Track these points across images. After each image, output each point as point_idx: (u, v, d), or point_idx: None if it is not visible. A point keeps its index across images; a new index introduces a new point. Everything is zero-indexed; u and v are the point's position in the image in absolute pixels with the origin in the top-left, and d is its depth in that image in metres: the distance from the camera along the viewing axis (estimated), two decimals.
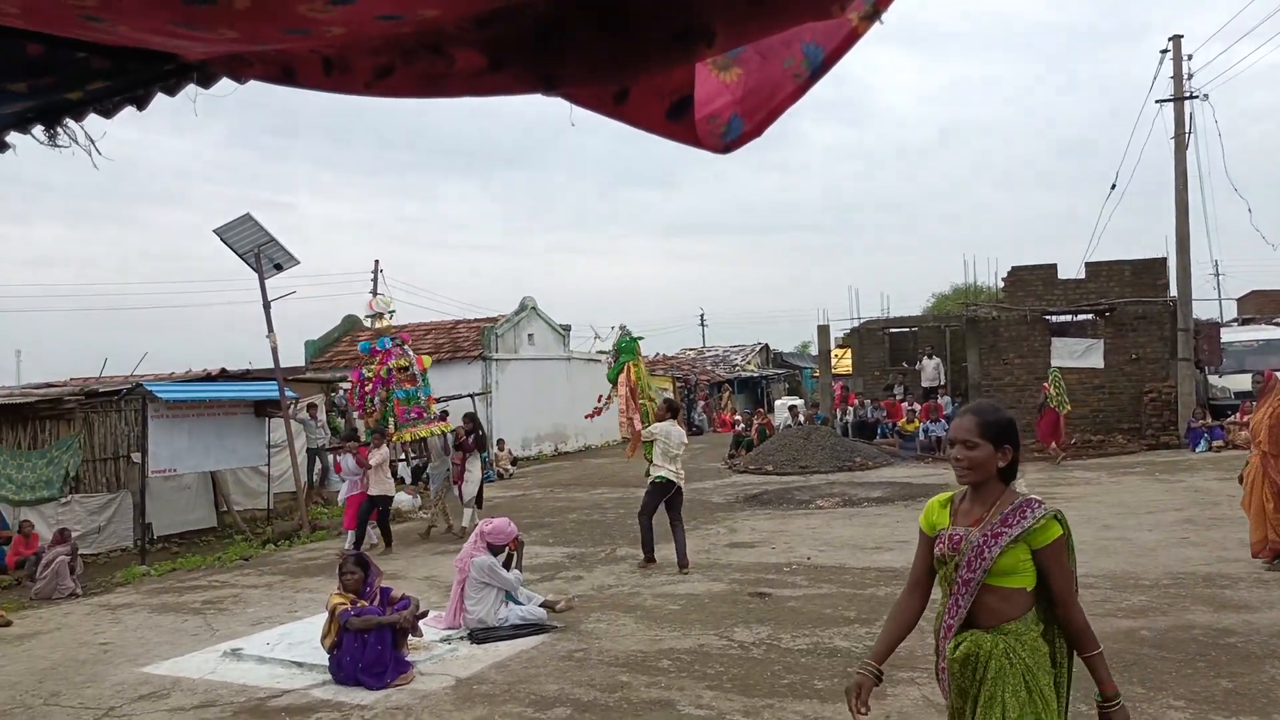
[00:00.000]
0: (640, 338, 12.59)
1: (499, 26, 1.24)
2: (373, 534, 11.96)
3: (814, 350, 32.67)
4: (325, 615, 6.51)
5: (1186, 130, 19.59)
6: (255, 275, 13.81)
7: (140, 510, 12.71)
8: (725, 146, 1.24)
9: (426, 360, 13.56)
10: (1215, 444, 17.75)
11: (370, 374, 12.81)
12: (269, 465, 14.61)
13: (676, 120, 1.24)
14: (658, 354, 40.08)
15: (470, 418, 13.16)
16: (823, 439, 19.57)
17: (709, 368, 39.79)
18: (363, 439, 12.37)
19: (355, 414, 13.70)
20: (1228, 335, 22.01)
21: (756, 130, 1.23)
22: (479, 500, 12.71)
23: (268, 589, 9.83)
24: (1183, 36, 19.83)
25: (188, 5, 1.12)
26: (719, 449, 24.28)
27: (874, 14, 1.08)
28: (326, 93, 1.50)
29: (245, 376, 14.96)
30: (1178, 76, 19.69)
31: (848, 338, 27.09)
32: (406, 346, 13.29)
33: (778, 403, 29.91)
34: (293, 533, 13.33)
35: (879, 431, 22.41)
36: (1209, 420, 18.68)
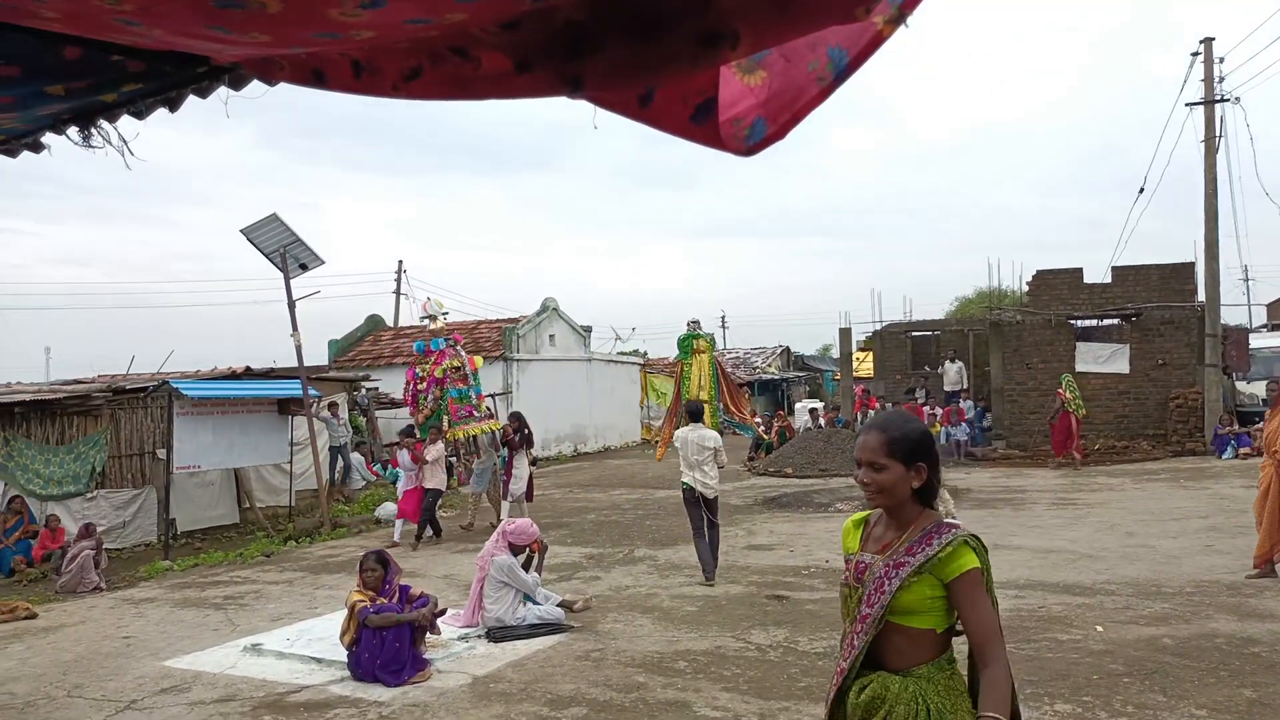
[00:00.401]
0: (699, 335, 12.54)
1: (525, 30, 1.25)
2: (398, 527, 12.46)
3: (835, 353, 32.54)
4: (344, 612, 6.56)
5: (1217, 133, 19.37)
6: (281, 275, 13.94)
7: (164, 506, 12.85)
8: (748, 149, 1.25)
9: (478, 360, 13.94)
10: (1242, 451, 17.51)
11: (424, 373, 13.17)
12: (291, 463, 14.74)
13: (700, 123, 1.25)
14: (678, 355, 40.07)
15: (517, 416, 13.47)
16: (843, 442, 19.48)
17: (730, 370, 39.70)
18: (419, 435, 12.85)
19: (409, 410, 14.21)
20: (1256, 341, 21.72)
21: (780, 133, 1.23)
22: (529, 494, 13.12)
23: (288, 585, 9.92)
24: (1214, 39, 19.62)
25: (221, 9, 1.14)
26: (738, 451, 24.23)
27: (899, 17, 1.09)
28: (355, 95, 1.52)
29: (269, 375, 15.11)
30: (1208, 79, 19.46)
31: (869, 341, 26.96)
32: (459, 347, 13.65)
33: (798, 405, 29.81)
34: (314, 530, 13.44)
35: None
36: (1236, 427, 18.44)
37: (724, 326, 59.21)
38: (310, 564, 11.25)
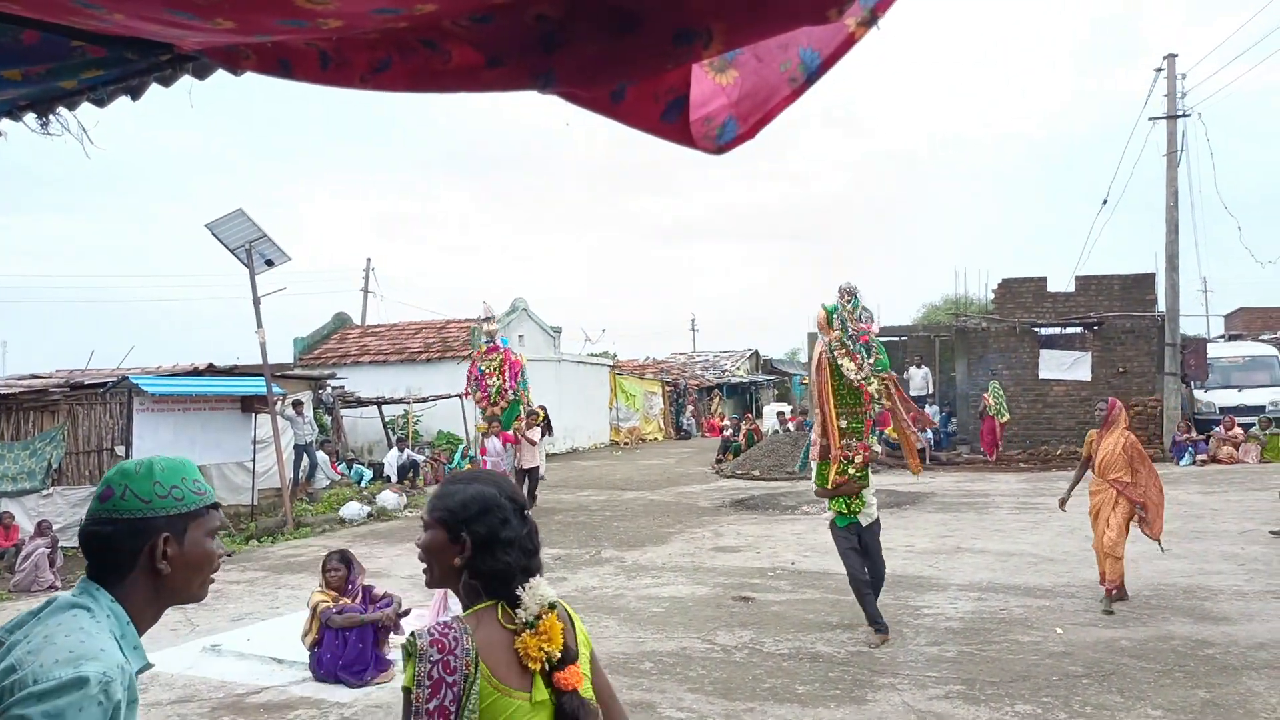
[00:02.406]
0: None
1: (497, 23, 1.24)
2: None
3: (804, 357, 32.74)
4: (307, 612, 6.48)
5: (1178, 148, 19.75)
6: (246, 271, 13.76)
7: None
8: (719, 148, 1.25)
9: (524, 358, 15.48)
10: (1200, 458, 17.88)
11: (490, 368, 14.45)
12: (254, 461, 14.55)
13: (671, 121, 1.25)
14: (648, 357, 40.11)
15: (537, 411, 14.74)
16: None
17: (699, 372, 39.83)
18: (499, 426, 14.13)
19: (477, 405, 15.28)
20: (1214, 351, 22.16)
21: (750, 133, 1.23)
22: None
23: (250, 585, 9.78)
24: (1177, 56, 20.02)
25: None
26: (707, 453, 24.30)
27: (871, 20, 1.09)
28: (322, 86, 1.50)
29: (232, 372, 14.91)
30: (1171, 95, 19.84)
31: None
32: (511, 344, 15.08)
33: (766, 408, 29.97)
34: (276, 529, 13.27)
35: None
36: (1194, 434, 18.81)
37: (694, 329, 59.40)
38: (272, 564, 11.11)
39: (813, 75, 1.17)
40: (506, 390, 14.28)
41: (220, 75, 2.07)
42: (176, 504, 1.61)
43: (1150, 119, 20.14)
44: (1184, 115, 19.79)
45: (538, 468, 14.02)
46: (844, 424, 6.90)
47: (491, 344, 14.73)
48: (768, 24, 1.06)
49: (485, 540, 1.84)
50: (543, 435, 14.47)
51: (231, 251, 13.67)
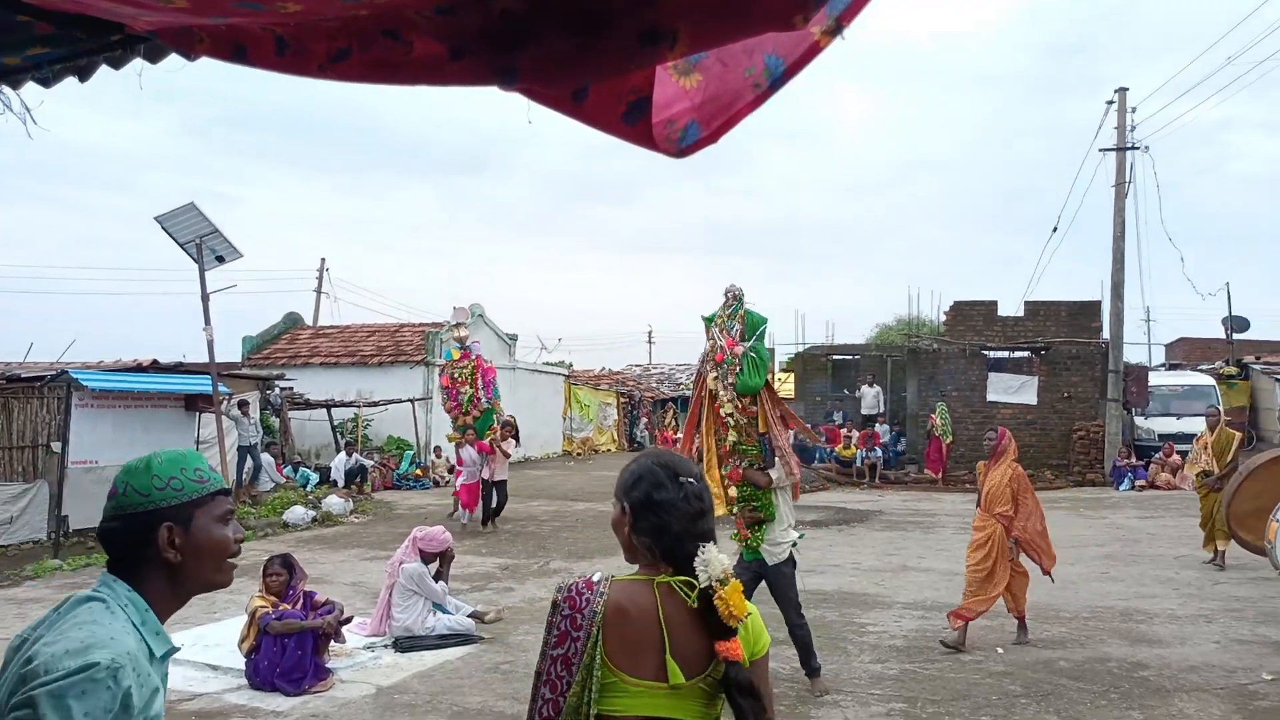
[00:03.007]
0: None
1: (461, 16, 1.22)
2: (464, 515, 13.59)
3: None
4: (245, 618, 6.32)
5: (1127, 180, 20.28)
6: (195, 266, 13.47)
7: (56, 502, 12.23)
8: (680, 151, 1.24)
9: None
10: (1138, 483, 18.33)
11: (461, 375, 14.10)
12: None
13: (632, 122, 1.23)
14: (604, 368, 40.07)
15: (509, 424, 14.67)
16: None
17: (654, 385, 39.87)
18: (474, 435, 13.70)
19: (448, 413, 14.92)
20: (1155, 379, 22.75)
21: (712, 137, 1.23)
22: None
23: None
24: (1128, 89, 20.58)
25: None
26: None
27: (836, 29, 1.09)
28: (279, 73, 1.46)
29: (178, 369, 14.57)
30: (1121, 127, 20.38)
31: (791, 362, 27.38)
32: (480, 352, 14.68)
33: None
34: None
35: (817, 456, 22.66)
36: (1133, 460, 19.28)
37: (650, 342, 59.44)
38: None
39: (777, 81, 1.17)
40: (479, 399, 13.97)
41: (173, 60, 2.01)
42: (176, 494, 1.67)
43: (1101, 150, 20.69)
44: (1133, 148, 20.34)
45: (505, 480, 13.79)
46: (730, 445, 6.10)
47: (464, 350, 14.33)
48: (734, 28, 1.06)
49: (641, 504, 1.90)
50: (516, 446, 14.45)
51: (181, 246, 13.39)
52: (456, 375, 14.14)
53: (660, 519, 1.88)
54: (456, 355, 14.34)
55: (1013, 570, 7.10)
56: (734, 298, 6.30)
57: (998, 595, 7.00)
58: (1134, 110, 20.42)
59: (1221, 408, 21.92)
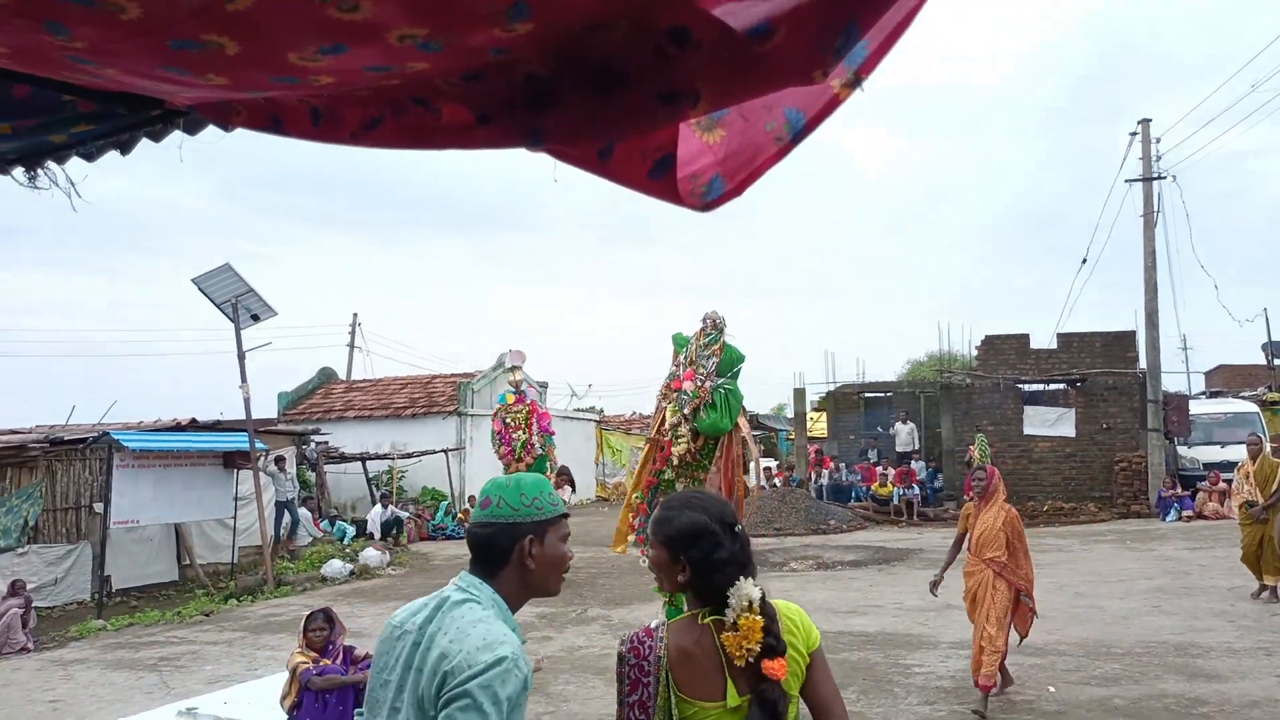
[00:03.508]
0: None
1: (487, 81, 1.26)
2: None
3: (790, 412, 32.76)
4: (286, 674, 6.32)
5: (1154, 209, 20.11)
6: (232, 325, 13.73)
7: (100, 562, 12.38)
8: (705, 205, 1.26)
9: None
10: (1185, 514, 17.88)
11: (515, 421, 13.55)
12: (235, 518, 14.34)
13: (658, 178, 1.26)
14: (634, 412, 40.04)
15: (565, 471, 14.21)
16: (797, 501, 19.51)
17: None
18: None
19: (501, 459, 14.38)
20: (1196, 407, 22.31)
21: (737, 190, 1.25)
22: None
23: (228, 646, 9.56)
24: (1151, 120, 20.49)
25: (177, 50, 1.13)
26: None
27: (855, 81, 1.11)
28: (313, 142, 1.51)
29: (215, 427, 14.78)
30: (1146, 158, 20.26)
31: (823, 401, 27.21)
32: (537, 398, 14.39)
33: (752, 464, 29.85)
34: (256, 588, 13.03)
35: (853, 495, 22.39)
36: (1179, 490, 18.84)
37: None
38: (251, 623, 10.88)
39: (798, 135, 1.19)
40: (533, 444, 13.35)
41: (211, 131, 2.08)
42: (538, 512, 1.99)
43: (1127, 181, 20.56)
44: (1159, 178, 20.19)
45: None
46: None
47: (519, 394, 13.72)
48: (754, 86, 1.08)
49: (700, 564, 2.04)
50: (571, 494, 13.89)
51: (218, 306, 13.66)
52: (510, 420, 13.58)
53: (719, 578, 2.03)
54: (511, 399, 13.74)
55: (1014, 618, 6.56)
56: (713, 325, 5.93)
57: (1002, 641, 6.34)
58: (1158, 140, 20.37)
59: (1266, 434, 21.47)
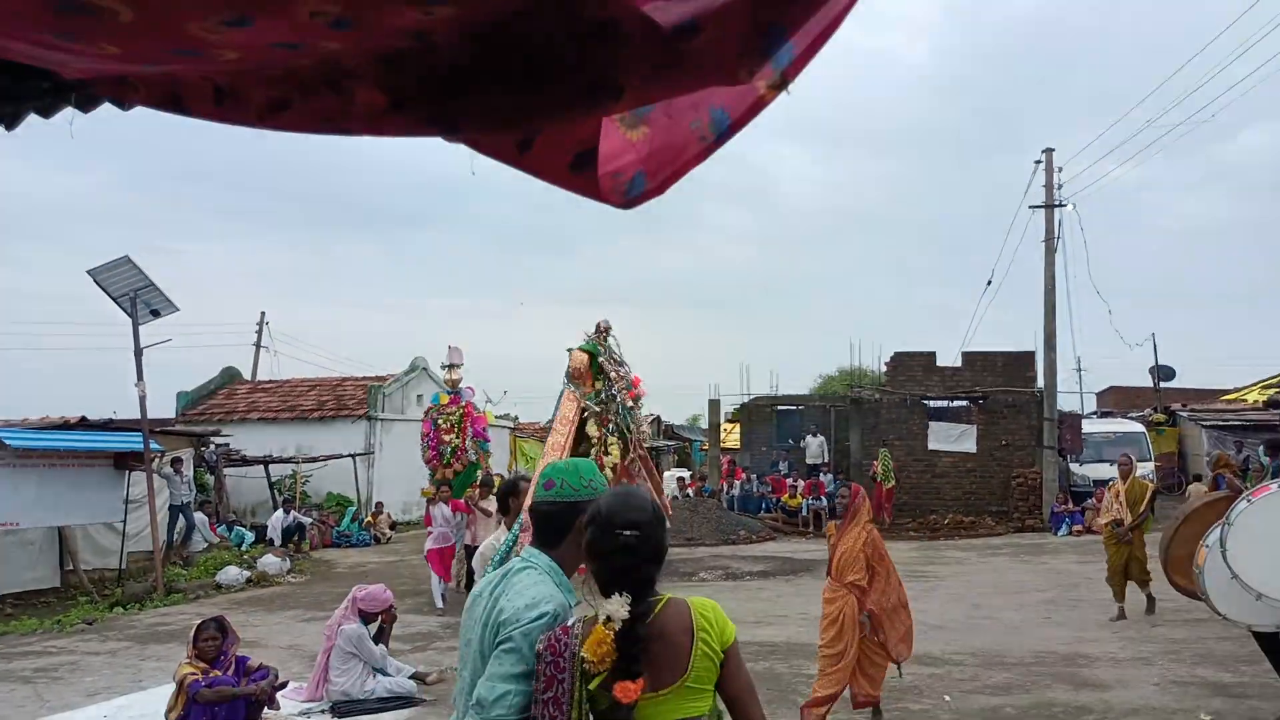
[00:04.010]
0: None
1: (404, 67, 1.21)
2: (440, 586, 11.30)
3: (704, 423, 33.03)
4: (173, 686, 6.03)
5: (1055, 235, 20.99)
6: (129, 321, 13.12)
7: None
8: (627, 202, 1.24)
9: (490, 415, 13.41)
10: (1075, 528, 18.69)
11: (448, 423, 12.55)
12: (125, 522, 13.66)
13: (579, 173, 1.23)
14: (550, 420, 39.77)
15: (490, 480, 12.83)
16: (708, 512, 19.68)
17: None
18: (449, 491, 11.89)
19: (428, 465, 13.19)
20: (1088, 426, 23.35)
21: (659, 189, 1.23)
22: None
23: (111, 656, 9.09)
24: (1054, 150, 21.40)
25: (63, 14, 1.05)
26: None
27: (781, 84, 1.11)
28: (217, 123, 1.43)
29: (107, 426, 14.08)
30: (1049, 186, 21.14)
31: (737, 413, 27.54)
32: (475, 399, 12.87)
33: (666, 474, 30.00)
34: (145, 595, 12.43)
35: (764, 506, 22.69)
36: (1070, 506, 19.68)
37: None
38: (138, 633, 10.37)
39: (723, 135, 1.18)
40: (464, 450, 12.35)
41: (107, 109, 1.96)
42: (593, 492, 2.33)
43: (1030, 207, 21.42)
44: (1060, 205, 21.10)
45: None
46: None
47: (454, 394, 12.65)
48: (679, 83, 1.06)
49: (586, 546, 2.19)
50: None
51: (115, 300, 13.05)
52: (441, 422, 12.67)
53: (595, 564, 2.16)
54: (445, 400, 12.76)
55: (872, 649, 6.20)
56: (609, 332, 5.76)
57: (847, 673, 6.08)
58: (1060, 170, 21.23)
59: (1151, 454, 22.64)
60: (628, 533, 2.11)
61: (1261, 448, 19.21)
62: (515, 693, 2.07)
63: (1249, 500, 5.50)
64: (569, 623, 2.16)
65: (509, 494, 5.52)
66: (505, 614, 2.16)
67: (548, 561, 2.30)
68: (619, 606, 2.03)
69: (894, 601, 6.29)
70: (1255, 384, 28.95)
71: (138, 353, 13.13)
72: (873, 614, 6.11)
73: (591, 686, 2.03)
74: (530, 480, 5.29)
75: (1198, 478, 21.78)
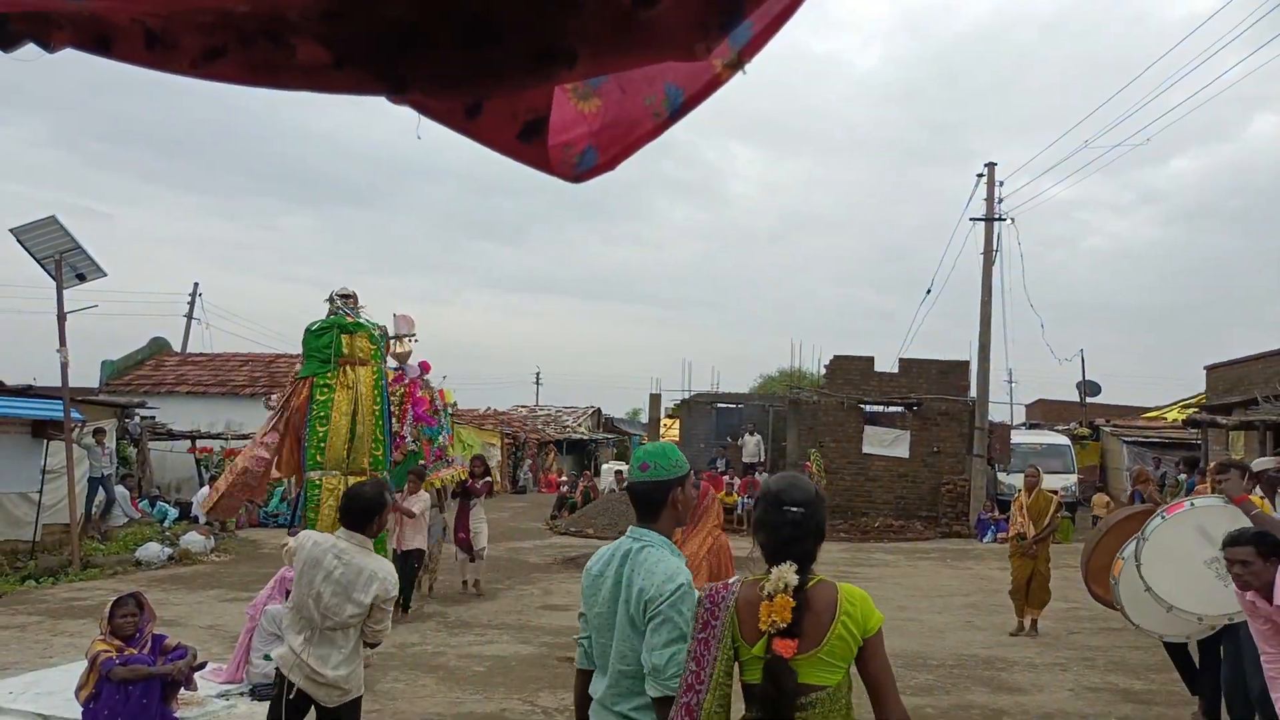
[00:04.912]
0: (359, 326, 7.76)
1: (349, 22, 1.16)
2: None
3: (644, 418, 33.08)
4: (85, 663, 5.82)
5: (994, 248, 21.47)
6: (54, 284, 12.63)
7: None
8: (576, 176, 1.21)
9: (449, 394, 11.72)
10: (1000, 535, 19.15)
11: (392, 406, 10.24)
12: (41, 492, 13.16)
13: (528, 142, 1.19)
14: (489, 408, 39.49)
15: (480, 460, 11.84)
16: None
17: (540, 427, 39.51)
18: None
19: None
20: (1017, 437, 23.95)
21: (610, 164, 1.20)
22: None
23: (20, 631, 8.76)
24: (996, 164, 21.87)
25: None
26: (542, 509, 23.99)
27: (738, 63, 1.09)
28: (147, 69, 1.35)
29: (26, 393, 13.55)
30: (990, 199, 21.60)
31: (677, 408, 27.64)
32: (428, 376, 11.10)
33: (604, 467, 29.99)
34: (60, 569, 12.00)
35: None
36: (996, 513, 20.18)
37: (538, 383, 59.10)
38: (50, 607, 10.01)
39: (676, 112, 1.16)
40: (403, 437, 10.39)
41: (30, 51, 1.86)
42: (680, 470, 2.76)
43: (971, 219, 21.88)
44: (1000, 219, 21.59)
45: (423, 550, 10.23)
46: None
47: (399, 372, 10.61)
48: (634, 53, 1.03)
49: (756, 521, 2.54)
50: (485, 494, 11.38)
51: (39, 262, 12.55)
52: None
53: (763, 535, 2.48)
54: (391, 376, 10.41)
55: None
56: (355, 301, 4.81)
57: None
58: (1002, 184, 21.71)
59: (1075, 465, 23.33)
60: (795, 509, 2.43)
61: (1178, 464, 19.97)
62: (679, 651, 2.46)
63: (1163, 517, 5.67)
64: (729, 581, 2.55)
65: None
66: (648, 592, 2.54)
67: (656, 537, 2.68)
68: (789, 572, 2.34)
69: None
70: (1175, 403, 30.02)
71: (61, 317, 12.65)
72: None
73: (758, 648, 2.34)
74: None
75: (1100, 488, 22.52)
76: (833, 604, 2.35)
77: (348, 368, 8.05)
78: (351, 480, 5.43)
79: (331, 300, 4.95)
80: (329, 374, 7.89)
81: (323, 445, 7.81)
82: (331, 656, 4.15)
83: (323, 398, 7.83)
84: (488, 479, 11.59)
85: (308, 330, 7.65)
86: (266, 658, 6.75)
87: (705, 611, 2.44)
